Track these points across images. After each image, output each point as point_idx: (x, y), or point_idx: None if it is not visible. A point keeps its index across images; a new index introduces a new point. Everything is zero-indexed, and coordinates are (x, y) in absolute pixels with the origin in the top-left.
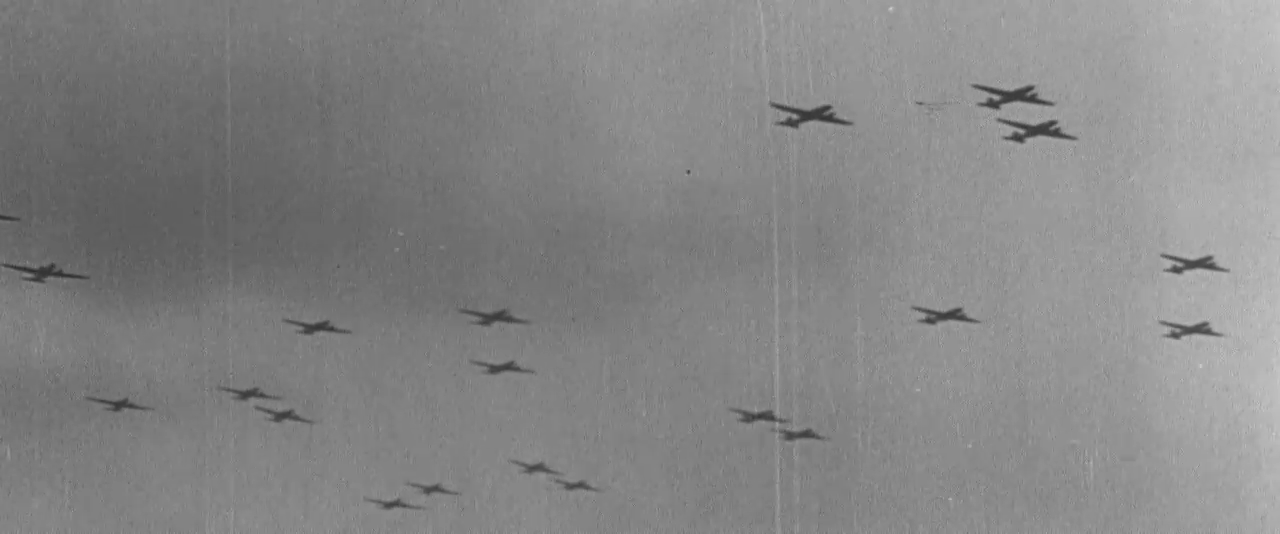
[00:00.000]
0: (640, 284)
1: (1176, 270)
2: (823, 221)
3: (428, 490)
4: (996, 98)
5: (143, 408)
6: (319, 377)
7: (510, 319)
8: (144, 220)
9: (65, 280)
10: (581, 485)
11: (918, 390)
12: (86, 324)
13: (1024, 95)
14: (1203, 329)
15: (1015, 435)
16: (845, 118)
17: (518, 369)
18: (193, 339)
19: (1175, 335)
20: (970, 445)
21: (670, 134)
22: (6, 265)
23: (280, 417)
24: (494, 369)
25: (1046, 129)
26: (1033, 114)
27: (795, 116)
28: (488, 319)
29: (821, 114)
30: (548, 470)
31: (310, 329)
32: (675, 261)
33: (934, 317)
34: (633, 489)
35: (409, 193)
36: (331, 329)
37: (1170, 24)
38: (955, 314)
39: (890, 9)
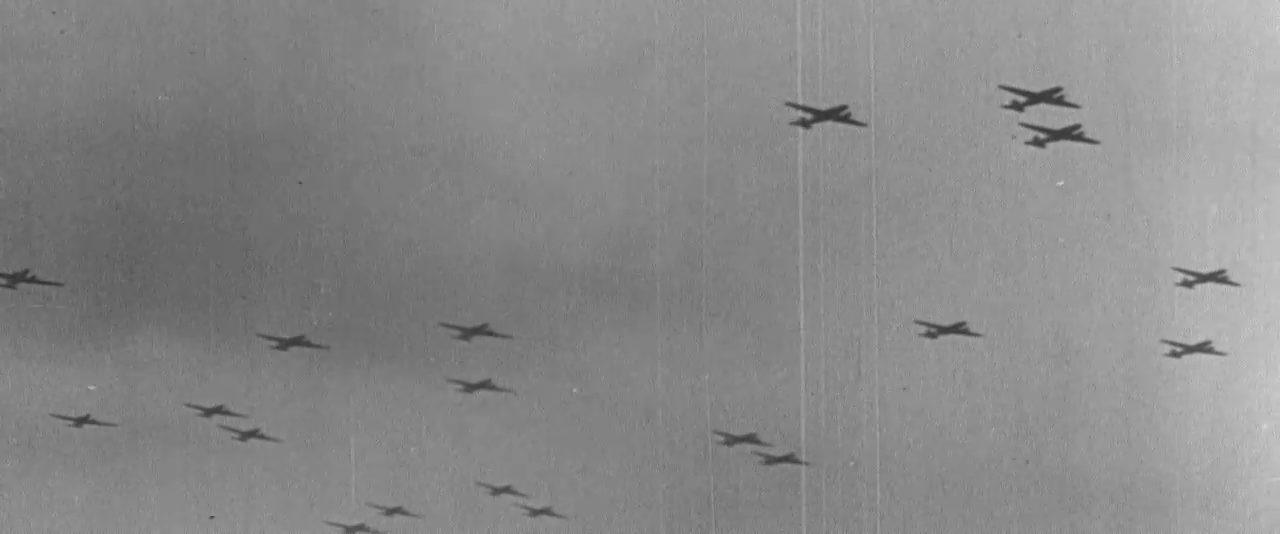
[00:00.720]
0: (569, 330)
1: (1187, 284)
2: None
3: (389, 512)
4: (1021, 100)
5: (105, 424)
6: (289, 394)
7: (492, 334)
8: (120, 233)
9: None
10: (546, 512)
11: (911, 412)
12: (56, 334)
13: (1051, 97)
14: (1205, 348)
15: (1010, 456)
16: (861, 119)
17: (495, 388)
18: (160, 353)
19: (1175, 354)
20: (966, 464)
21: (588, 180)
22: None
23: (246, 436)
24: (470, 387)
25: (1069, 133)
26: (1055, 117)
27: (809, 116)
28: (468, 334)
29: (837, 115)
30: (515, 493)
31: (285, 344)
32: (600, 310)
33: (936, 331)
34: (601, 517)
35: (330, 238)
36: (307, 344)
37: (1194, 28)
38: (958, 328)
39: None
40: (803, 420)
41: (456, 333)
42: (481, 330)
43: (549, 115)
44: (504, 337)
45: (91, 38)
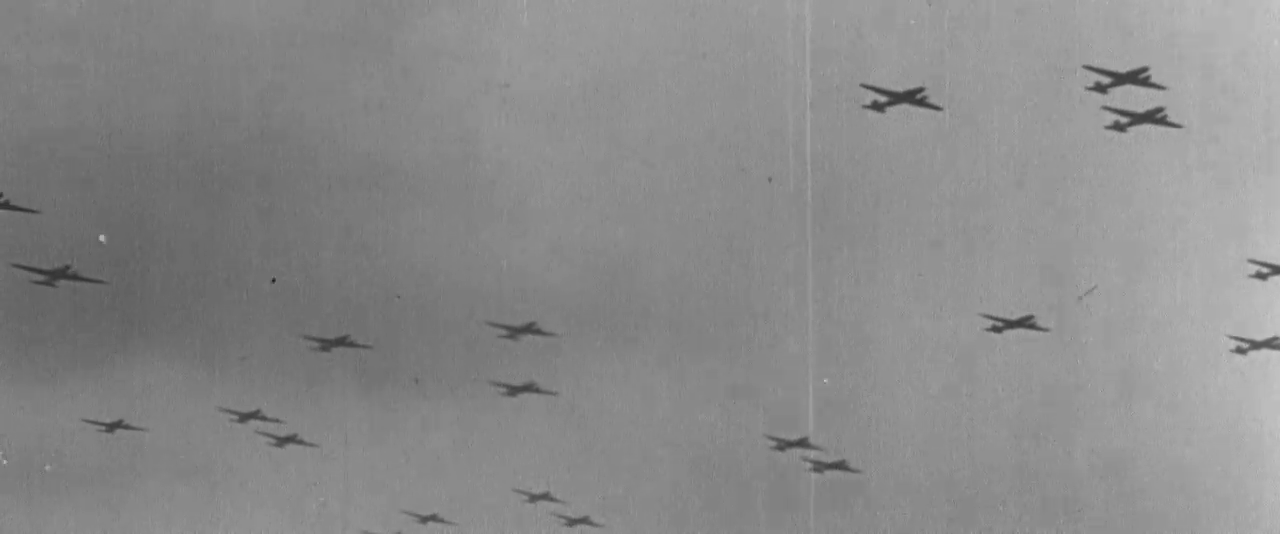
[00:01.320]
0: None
1: (1261, 276)
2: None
3: (424, 520)
4: (1106, 81)
5: (138, 429)
6: (330, 397)
7: (539, 332)
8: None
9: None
10: (584, 521)
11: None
12: (93, 334)
13: (1137, 78)
14: (1273, 344)
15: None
16: (936, 103)
17: (539, 390)
18: (195, 355)
19: (1241, 350)
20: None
21: (582, 205)
22: (16, 266)
23: (283, 441)
24: (513, 390)
25: (1152, 117)
26: (1140, 100)
27: (884, 99)
28: (515, 333)
29: (913, 97)
30: (553, 500)
31: (328, 345)
32: (588, 334)
33: (1002, 324)
34: (640, 528)
35: (330, 267)
36: (351, 344)
37: None
38: (1026, 322)
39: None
40: (829, 430)
41: (503, 332)
42: (530, 329)
43: (546, 138)
44: (551, 335)
45: (88, 62)
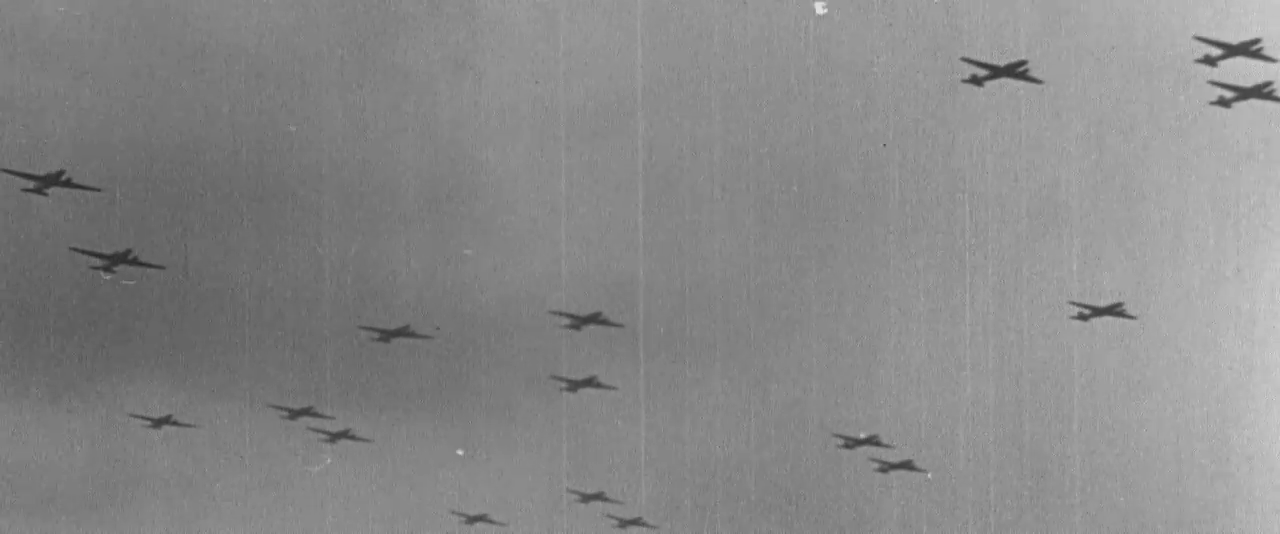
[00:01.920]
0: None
1: None
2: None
3: (471, 520)
4: (1215, 53)
5: (186, 425)
6: (386, 391)
7: (605, 323)
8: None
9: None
10: (636, 522)
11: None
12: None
13: (1249, 49)
14: None
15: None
16: (1037, 77)
17: (600, 385)
18: (242, 350)
19: None
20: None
21: (578, 227)
22: (76, 249)
23: (335, 437)
24: (573, 385)
25: (1260, 92)
26: (1249, 74)
27: (983, 73)
28: (579, 323)
29: (1015, 71)
30: (606, 500)
31: (388, 336)
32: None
33: (1090, 312)
34: (693, 530)
35: (326, 283)
36: (412, 335)
37: None
38: (1114, 310)
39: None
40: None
41: (567, 321)
42: (595, 319)
43: (539, 161)
44: (617, 325)
45: (91, 86)
